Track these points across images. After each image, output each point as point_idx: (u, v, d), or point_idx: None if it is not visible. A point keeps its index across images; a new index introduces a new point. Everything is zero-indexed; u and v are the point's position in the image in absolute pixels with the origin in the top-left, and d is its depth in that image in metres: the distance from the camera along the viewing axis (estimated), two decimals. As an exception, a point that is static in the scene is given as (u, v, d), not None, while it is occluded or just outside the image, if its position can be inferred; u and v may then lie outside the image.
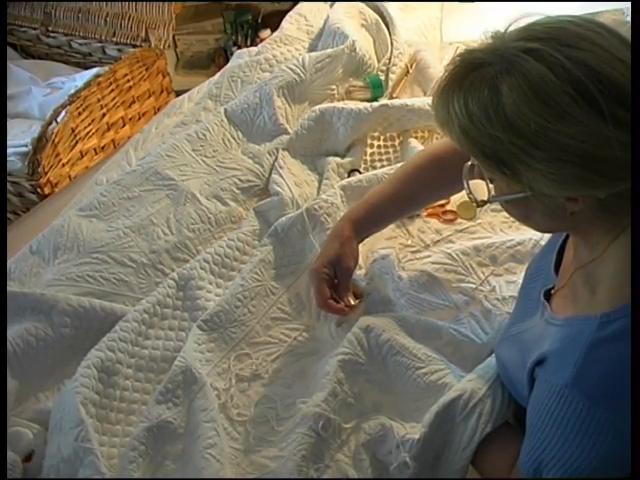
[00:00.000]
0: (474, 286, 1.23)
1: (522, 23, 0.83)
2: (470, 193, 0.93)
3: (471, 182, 0.92)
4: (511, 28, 0.83)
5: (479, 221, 1.36)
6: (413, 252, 1.32)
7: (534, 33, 0.80)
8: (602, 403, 0.79)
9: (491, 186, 0.89)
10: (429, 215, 1.38)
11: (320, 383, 1.11)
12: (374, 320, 1.16)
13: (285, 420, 1.11)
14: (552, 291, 0.95)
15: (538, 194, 0.81)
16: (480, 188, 0.90)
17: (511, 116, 0.77)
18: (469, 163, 0.92)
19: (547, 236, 1.22)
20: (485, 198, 0.90)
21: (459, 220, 1.37)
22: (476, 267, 1.25)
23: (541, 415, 0.86)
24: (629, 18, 1.56)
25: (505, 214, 1.34)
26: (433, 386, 1.07)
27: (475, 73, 0.80)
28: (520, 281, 1.18)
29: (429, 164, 1.23)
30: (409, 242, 1.33)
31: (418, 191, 1.25)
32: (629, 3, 1.47)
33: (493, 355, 1.08)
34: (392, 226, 1.34)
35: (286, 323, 1.24)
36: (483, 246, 1.28)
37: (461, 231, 1.34)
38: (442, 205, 1.39)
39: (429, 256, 1.30)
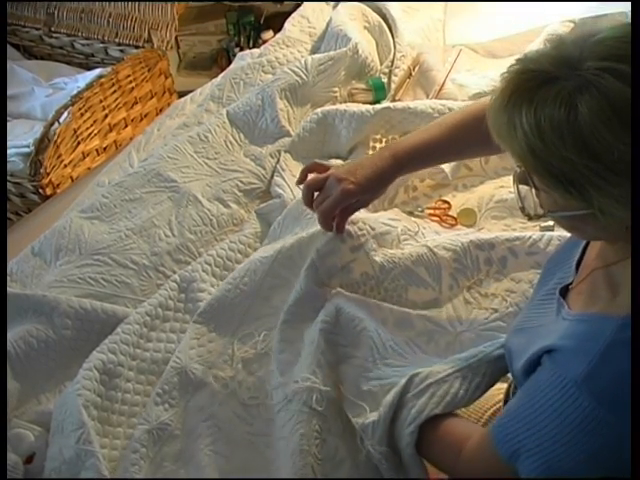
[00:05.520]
0: (465, 271, 1.23)
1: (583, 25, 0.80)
2: (522, 206, 0.89)
3: (521, 189, 0.88)
4: (572, 34, 0.79)
5: (479, 228, 1.36)
6: (412, 236, 1.31)
7: (609, 50, 0.76)
8: (608, 404, 0.79)
9: (538, 196, 0.85)
10: (431, 215, 1.38)
11: (306, 351, 1.11)
12: (350, 295, 1.18)
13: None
14: (570, 286, 0.94)
15: (603, 214, 0.78)
16: (529, 196, 0.87)
17: (588, 138, 0.73)
18: (519, 169, 0.87)
19: (547, 237, 1.22)
20: (533, 208, 0.86)
21: (459, 226, 1.37)
22: (473, 249, 1.24)
23: (537, 402, 0.85)
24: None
25: (506, 222, 1.34)
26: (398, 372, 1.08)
27: (547, 87, 0.76)
28: (509, 283, 1.20)
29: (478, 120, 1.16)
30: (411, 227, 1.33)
31: (463, 143, 1.22)
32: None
33: (470, 350, 1.08)
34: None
35: (284, 289, 1.22)
36: (482, 236, 1.28)
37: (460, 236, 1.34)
38: (444, 209, 1.39)
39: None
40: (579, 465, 0.82)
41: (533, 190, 0.85)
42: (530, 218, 0.90)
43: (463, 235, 1.28)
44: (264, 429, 1.10)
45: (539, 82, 0.77)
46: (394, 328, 1.16)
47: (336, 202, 1.19)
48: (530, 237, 1.24)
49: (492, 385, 1.04)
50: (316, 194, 1.23)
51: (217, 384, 1.14)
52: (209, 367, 1.15)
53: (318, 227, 1.24)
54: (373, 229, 1.27)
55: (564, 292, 0.94)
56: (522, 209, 0.90)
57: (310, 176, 1.27)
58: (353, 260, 1.23)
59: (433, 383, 1.02)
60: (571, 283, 0.94)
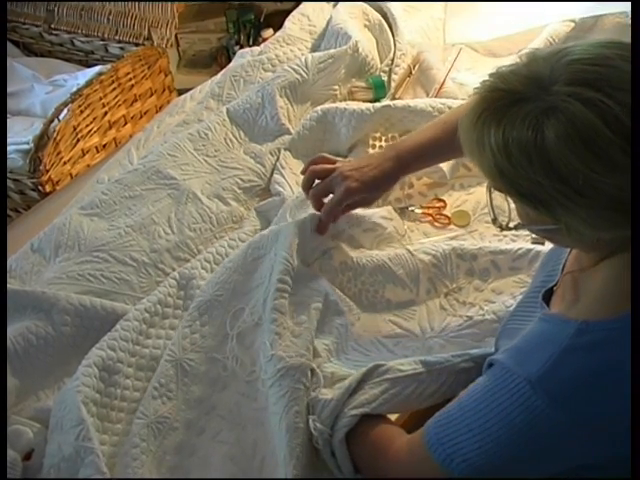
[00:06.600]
0: (444, 278, 1.24)
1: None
2: (494, 217, 0.89)
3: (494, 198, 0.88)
4: (545, 50, 0.79)
5: (471, 230, 1.35)
6: (398, 239, 1.33)
7: (579, 74, 0.75)
8: (561, 405, 0.80)
9: (513, 206, 0.86)
10: (424, 214, 1.39)
11: (300, 328, 1.13)
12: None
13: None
14: (555, 287, 0.95)
15: (570, 231, 0.79)
16: (502, 206, 0.87)
17: (556, 163, 0.73)
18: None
19: (533, 252, 1.22)
20: (507, 216, 0.87)
21: (451, 226, 1.37)
22: (454, 259, 1.25)
23: (483, 402, 0.86)
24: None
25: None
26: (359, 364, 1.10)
27: (516, 108, 0.76)
28: (489, 293, 1.21)
29: None
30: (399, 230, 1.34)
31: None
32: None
33: (437, 355, 1.08)
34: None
35: (268, 258, 1.22)
36: (466, 246, 1.28)
37: (450, 238, 1.34)
38: (438, 207, 1.39)
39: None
40: (518, 464, 0.84)
41: (509, 199, 0.85)
42: (502, 229, 0.89)
43: (448, 242, 1.29)
44: (265, 402, 1.11)
45: (508, 102, 0.77)
46: (361, 329, 1.18)
47: (340, 200, 1.21)
48: (516, 252, 1.24)
49: (449, 396, 1.03)
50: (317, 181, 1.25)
51: (216, 368, 1.15)
52: (205, 352, 1.16)
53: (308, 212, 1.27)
54: (359, 225, 1.29)
55: (549, 294, 0.95)
56: (494, 221, 0.90)
57: None
58: (333, 248, 1.26)
59: (390, 379, 1.03)
60: (556, 284, 0.95)
